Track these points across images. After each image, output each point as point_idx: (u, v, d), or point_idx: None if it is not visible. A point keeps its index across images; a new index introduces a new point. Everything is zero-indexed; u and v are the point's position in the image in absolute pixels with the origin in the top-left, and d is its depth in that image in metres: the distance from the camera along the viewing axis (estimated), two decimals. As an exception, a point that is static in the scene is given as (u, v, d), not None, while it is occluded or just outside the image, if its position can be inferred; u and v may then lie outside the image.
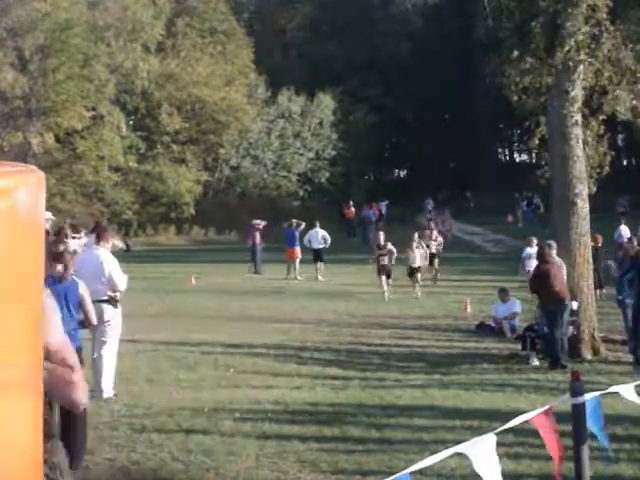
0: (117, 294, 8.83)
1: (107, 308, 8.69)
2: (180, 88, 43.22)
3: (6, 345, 2.92)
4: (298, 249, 24.61)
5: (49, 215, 13.97)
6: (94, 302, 7.25)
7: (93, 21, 39.82)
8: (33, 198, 2.98)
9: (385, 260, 20.28)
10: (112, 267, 8.80)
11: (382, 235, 21.16)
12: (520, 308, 14.56)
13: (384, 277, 20.07)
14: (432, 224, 27.71)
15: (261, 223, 26.93)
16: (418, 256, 20.68)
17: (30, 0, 36.19)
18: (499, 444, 6.32)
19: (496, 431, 4.01)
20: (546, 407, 4.49)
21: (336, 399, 9.10)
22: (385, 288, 19.81)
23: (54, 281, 6.28)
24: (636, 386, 5.23)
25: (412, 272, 20.63)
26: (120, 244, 14.32)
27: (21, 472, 2.85)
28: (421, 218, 40.86)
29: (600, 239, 16.89)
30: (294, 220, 26.32)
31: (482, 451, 3.78)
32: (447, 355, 12.57)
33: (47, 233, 11.25)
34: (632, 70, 12.22)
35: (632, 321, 12.01)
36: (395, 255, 20.66)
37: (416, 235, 21.40)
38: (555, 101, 12.36)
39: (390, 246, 20.63)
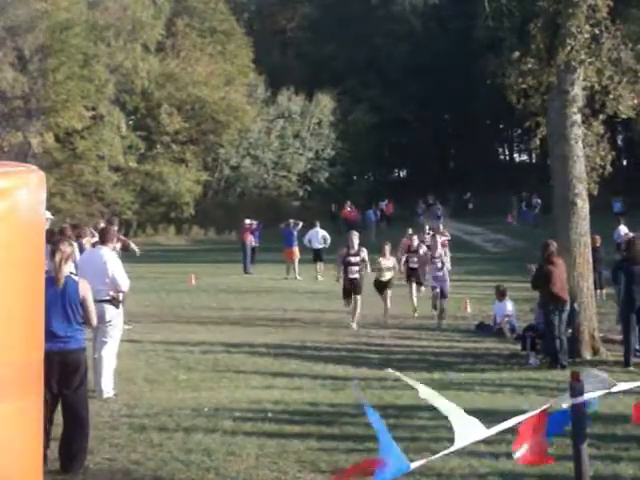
0: (119, 294, 8.84)
1: (109, 308, 8.70)
2: (180, 88, 43.22)
3: (6, 344, 2.91)
4: (296, 249, 24.65)
5: (48, 214, 13.97)
6: (96, 302, 7.24)
7: (93, 21, 39.82)
8: (34, 198, 2.98)
9: (355, 272, 15.21)
10: (115, 267, 8.80)
11: (356, 237, 15.60)
12: (511, 309, 14.57)
13: (353, 302, 15.18)
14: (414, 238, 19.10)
15: (252, 223, 27.03)
16: (391, 266, 16.13)
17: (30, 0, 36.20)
18: (499, 443, 6.34)
19: (497, 429, 4.01)
20: (545, 406, 4.49)
21: (336, 399, 9.09)
22: (354, 315, 15.11)
23: (52, 280, 6.26)
24: (636, 387, 5.23)
25: (380, 286, 16.01)
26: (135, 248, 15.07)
27: (21, 472, 2.84)
28: (421, 220, 39.55)
29: (598, 239, 16.88)
30: (291, 220, 26.40)
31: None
32: (447, 355, 12.57)
33: (51, 233, 11.26)
34: (633, 69, 12.23)
35: (619, 317, 12.07)
36: (368, 268, 15.93)
37: (387, 247, 16.20)
38: (555, 101, 12.36)
39: (364, 254, 15.45)
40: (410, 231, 21.29)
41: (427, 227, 23.57)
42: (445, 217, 42.75)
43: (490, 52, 27.51)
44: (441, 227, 25.91)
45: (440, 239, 17.29)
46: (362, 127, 51.83)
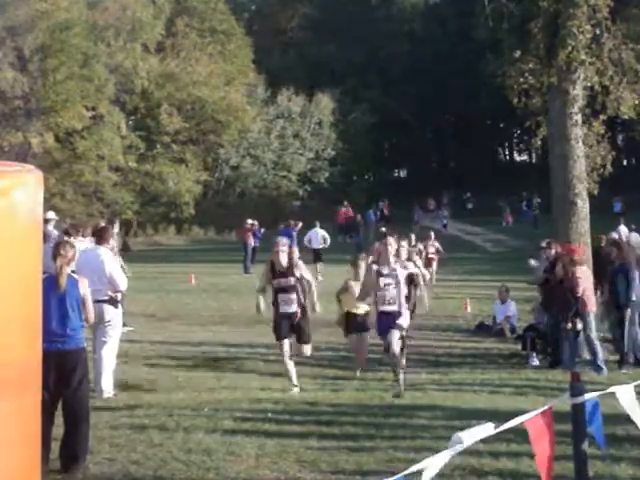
0: (118, 294, 8.84)
1: (108, 308, 8.70)
2: (180, 88, 43.21)
3: (3, 344, 2.91)
4: (296, 249, 24.57)
5: (53, 215, 13.98)
6: (95, 302, 7.26)
7: (93, 21, 39.84)
8: (31, 197, 2.98)
9: (291, 303, 9.50)
10: (113, 267, 8.82)
11: (285, 245, 9.96)
12: (513, 310, 14.56)
13: (287, 344, 9.60)
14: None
15: (254, 223, 27.05)
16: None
17: None
18: (499, 443, 6.34)
19: (498, 430, 4.00)
20: (545, 407, 4.48)
21: (336, 399, 9.08)
22: (292, 376, 9.60)
23: (52, 280, 6.27)
24: (635, 386, 5.22)
25: (351, 323, 11.02)
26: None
27: (18, 471, 2.84)
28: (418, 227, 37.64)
29: (604, 239, 16.84)
30: (291, 220, 26.42)
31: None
32: (447, 355, 12.57)
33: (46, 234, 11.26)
34: (634, 70, 12.24)
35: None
36: (314, 291, 9.99)
37: (364, 264, 10.78)
38: (556, 101, 12.37)
39: (302, 271, 9.80)
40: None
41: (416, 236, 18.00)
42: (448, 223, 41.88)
43: (490, 52, 27.55)
44: (432, 236, 22.34)
45: (406, 254, 10.71)
46: (362, 127, 51.86)
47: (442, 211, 44.10)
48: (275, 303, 9.69)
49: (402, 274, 9.05)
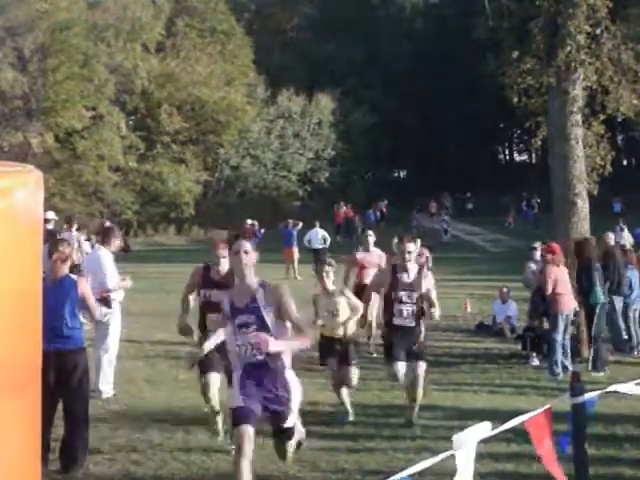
0: (110, 294, 8.85)
1: (102, 308, 8.71)
2: (180, 88, 43.23)
3: (3, 344, 2.91)
4: (296, 249, 24.63)
5: (52, 215, 13.99)
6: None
7: (93, 21, 39.86)
8: (32, 197, 2.98)
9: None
10: (101, 265, 8.86)
11: (223, 248, 6.92)
12: (514, 311, 14.57)
13: (216, 395, 6.94)
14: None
15: (254, 223, 27.09)
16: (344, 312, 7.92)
17: None
18: (499, 443, 6.34)
19: (499, 429, 4.01)
20: (546, 407, 4.49)
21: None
22: (219, 422, 7.11)
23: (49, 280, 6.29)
24: (636, 384, 5.23)
25: (330, 349, 8.12)
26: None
27: (18, 472, 2.85)
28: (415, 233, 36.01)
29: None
30: (290, 220, 26.41)
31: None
32: (447, 355, 12.56)
33: (51, 233, 11.27)
34: (633, 70, 12.25)
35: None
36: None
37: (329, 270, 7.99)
38: (556, 101, 12.37)
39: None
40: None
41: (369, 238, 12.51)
42: (449, 229, 40.03)
43: (490, 52, 27.56)
44: (417, 244, 20.87)
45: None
46: (362, 127, 51.84)
47: (442, 215, 42.82)
48: (202, 323, 6.88)
49: (267, 310, 5.09)
